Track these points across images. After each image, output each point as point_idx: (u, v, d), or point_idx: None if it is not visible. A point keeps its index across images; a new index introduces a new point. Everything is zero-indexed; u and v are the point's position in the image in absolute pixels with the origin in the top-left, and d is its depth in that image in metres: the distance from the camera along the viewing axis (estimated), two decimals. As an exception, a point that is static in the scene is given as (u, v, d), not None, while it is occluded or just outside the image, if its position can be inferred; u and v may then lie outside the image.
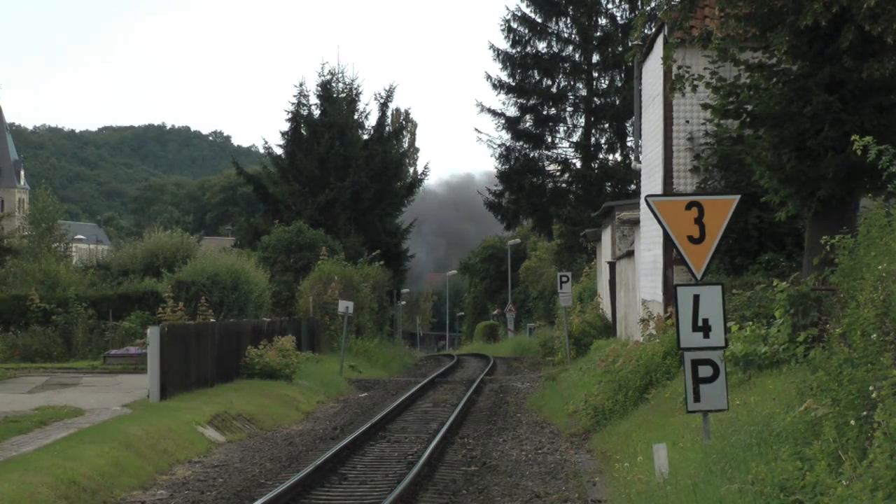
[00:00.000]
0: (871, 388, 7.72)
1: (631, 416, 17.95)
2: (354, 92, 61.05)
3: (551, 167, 57.33)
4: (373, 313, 46.38)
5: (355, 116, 60.82)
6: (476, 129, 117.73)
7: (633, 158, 52.16)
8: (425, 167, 69.67)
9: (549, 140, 56.94)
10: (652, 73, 26.15)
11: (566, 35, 56.18)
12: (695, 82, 16.94)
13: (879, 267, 9.46)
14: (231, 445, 19.78)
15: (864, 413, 7.74)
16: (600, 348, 28.86)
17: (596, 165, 56.08)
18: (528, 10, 56.16)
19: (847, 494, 6.86)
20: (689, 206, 11.36)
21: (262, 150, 68.53)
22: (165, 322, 27.06)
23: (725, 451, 9.95)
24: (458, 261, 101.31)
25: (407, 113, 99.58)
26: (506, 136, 56.81)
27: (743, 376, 14.96)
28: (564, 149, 57.17)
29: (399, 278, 63.82)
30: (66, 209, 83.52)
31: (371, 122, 62.17)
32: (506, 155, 56.80)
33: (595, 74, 56.28)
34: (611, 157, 56.80)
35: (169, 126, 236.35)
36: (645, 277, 27.17)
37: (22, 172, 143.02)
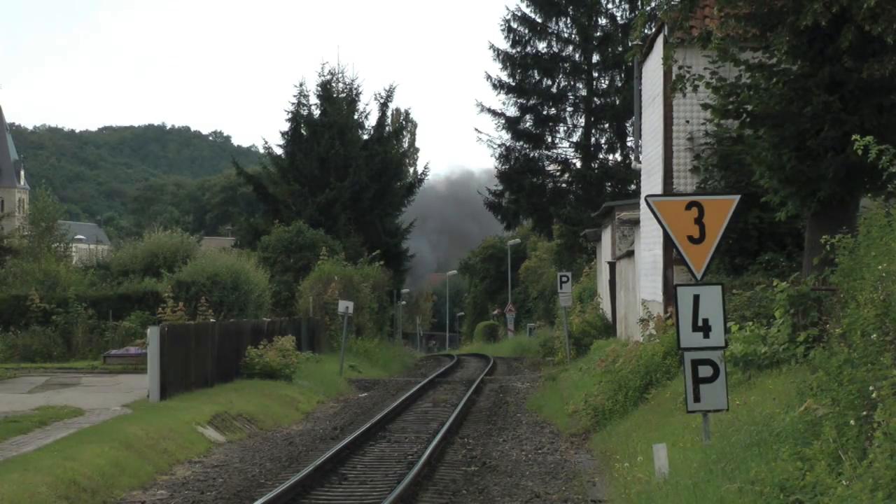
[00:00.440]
0: (871, 388, 7.71)
1: (631, 416, 17.95)
2: (354, 92, 61.11)
3: (551, 167, 57.36)
4: (373, 313, 46.39)
5: (355, 116, 60.83)
6: (476, 129, 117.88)
7: (633, 158, 52.16)
8: (425, 167, 69.64)
9: (549, 140, 56.97)
10: (652, 73, 26.15)
11: (566, 35, 56.20)
12: (695, 82, 16.94)
13: (879, 267, 9.46)
14: (231, 445, 19.78)
15: (864, 413, 7.74)
16: (600, 348, 28.86)
17: (596, 165, 56.09)
18: (528, 10, 56.21)
19: (847, 494, 6.86)
20: (689, 206, 11.37)
21: (262, 150, 68.61)
22: (165, 322, 27.06)
23: (725, 451, 9.95)
24: (459, 261, 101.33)
25: (407, 113, 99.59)
26: (506, 136, 56.89)
27: (743, 376, 14.95)
28: (564, 149, 57.23)
29: (399, 278, 63.82)
30: (66, 209, 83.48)
31: (371, 122, 62.28)
32: (506, 155, 56.82)
33: (595, 74, 56.29)
34: (611, 157, 56.86)
35: (169, 126, 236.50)
36: (645, 277, 27.17)
37: (22, 172, 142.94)
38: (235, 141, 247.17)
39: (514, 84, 56.13)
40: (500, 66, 56.37)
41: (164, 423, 19.12)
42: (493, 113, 56.59)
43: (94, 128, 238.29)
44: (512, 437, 20.53)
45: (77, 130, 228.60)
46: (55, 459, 15.00)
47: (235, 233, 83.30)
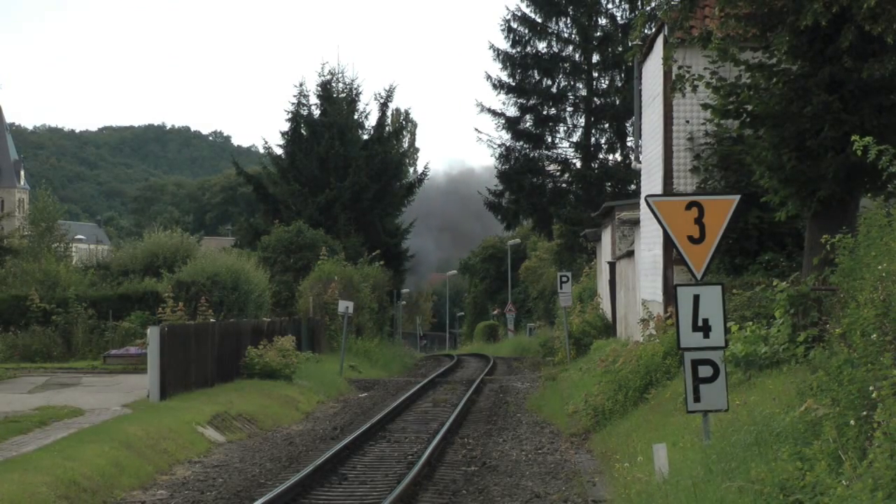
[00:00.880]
0: (871, 388, 7.71)
1: (631, 416, 17.95)
2: (354, 92, 61.11)
3: (551, 167, 57.37)
4: (373, 313, 46.40)
5: (355, 116, 60.83)
6: (476, 129, 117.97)
7: (633, 158, 52.19)
8: (425, 167, 69.57)
9: (549, 140, 56.99)
10: (652, 73, 26.15)
11: (566, 35, 56.22)
12: (695, 82, 16.94)
13: (879, 267, 9.45)
14: (231, 445, 19.78)
15: (864, 413, 7.74)
16: (600, 348, 28.85)
17: (596, 165, 56.11)
18: (528, 10, 56.22)
19: (847, 494, 6.86)
20: (689, 206, 11.36)
21: (262, 150, 68.64)
22: (165, 322, 27.06)
23: (725, 451, 9.95)
24: (459, 261, 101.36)
25: (407, 113, 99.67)
26: (506, 136, 56.91)
27: (743, 376, 14.95)
28: (564, 149, 57.25)
29: (399, 278, 63.81)
30: (66, 209, 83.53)
31: (371, 122, 62.27)
32: (506, 155, 56.84)
33: (595, 74, 56.30)
34: (611, 157, 56.88)
35: (169, 126, 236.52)
36: (645, 277, 27.18)
37: (22, 172, 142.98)
38: (235, 141, 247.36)
39: (514, 84, 56.14)
40: (500, 66, 56.45)
41: (164, 423, 19.12)
42: (493, 113, 56.65)
43: (94, 128, 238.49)
44: (512, 437, 20.53)
45: (77, 130, 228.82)
46: (55, 459, 15.00)
47: (235, 233, 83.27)
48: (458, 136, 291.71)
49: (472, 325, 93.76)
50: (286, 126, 60.04)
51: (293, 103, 59.81)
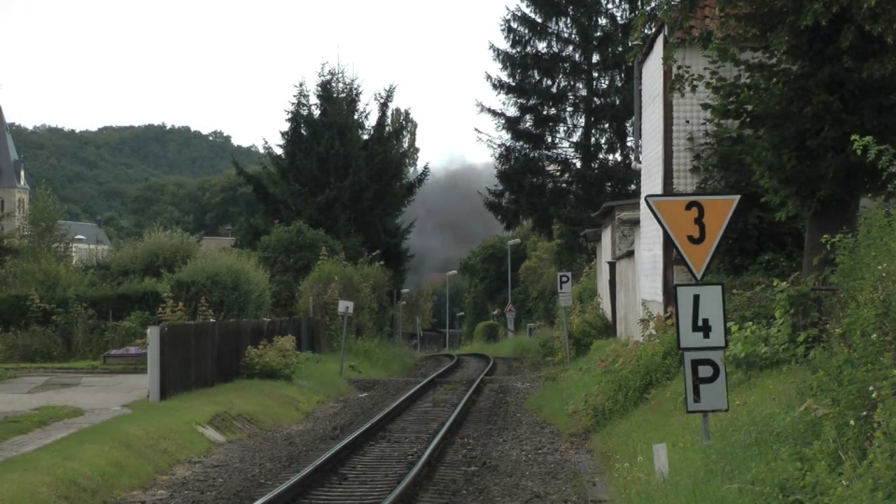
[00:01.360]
0: (871, 388, 7.71)
1: (631, 416, 17.95)
2: (354, 92, 61.08)
3: (551, 167, 57.36)
4: (373, 313, 46.39)
5: (355, 116, 60.81)
6: (476, 129, 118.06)
7: (633, 158, 52.19)
8: (425, 167, 69.59)
9: (549, 140, 56.97)
10: (652, 73, 26.15)
11: (566, 35, 56.20)
12: (695, 82, 16.93)
13: (879, 267, 9.45)
14: (231, 445, 19.78)
15: (864, 413, 7.74)
16: (600, 348, 28.86)
17: (596, 165, 56.10)
18: (528, 10, 56.21)
19: (847, 494, 6.86)
20: (689, 206, 11.37)
21: (262, 150, 68.56)
22: (165, 322, 27.06)
23: (725, 451, 9.95)
24: (459, 260, 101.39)
25: (407, 113, 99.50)
26: (506, 136, 56.89)
27: (743, 377, 14.95)
28: (564, 149, 57.23)
29: (399, 278, 63.81)
30: (66, 209, 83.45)
31: (371, 122, 62.24)
32: (506, 155, 56.83)
33: (595, 74, 56.29)
34: (611, 157, 56.86)
35: (169, 126, 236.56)
36: (645, 277, 27.17)
37: (22, 172, 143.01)
38: (235, 141, 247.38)
39: (514, 84, 56.13)
40: (500, 66, 56.42)
41: (164, 423, 19.12)
42: (493, 113, 56.63)
43: (94, 128, 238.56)
44: (512, 437, 20.53)
45: (77, 130, 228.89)
46: (55, 459, 15.00)
47: (235, 233, 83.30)
48: (458, 135, 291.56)
49: (472, 325, 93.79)
50: (286, 126, 60.06)
51: (293, 103, 59.85)
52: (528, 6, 56.11)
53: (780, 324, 15.04)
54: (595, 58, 55.89)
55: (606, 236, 39.28)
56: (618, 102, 54.76)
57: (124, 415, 20.06)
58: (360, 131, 60.97)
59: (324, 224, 54.31)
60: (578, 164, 56.68)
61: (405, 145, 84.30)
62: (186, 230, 54.28)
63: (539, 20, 56.09)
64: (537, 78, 56.36)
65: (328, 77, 60.43)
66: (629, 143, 54.99)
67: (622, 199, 42.92)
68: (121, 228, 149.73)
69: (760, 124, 16.46)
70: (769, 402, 11.35)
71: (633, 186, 48.26)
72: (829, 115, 15.54)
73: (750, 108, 16.49)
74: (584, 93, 56.27)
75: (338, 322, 38.61)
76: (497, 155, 57.02)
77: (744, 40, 16.66)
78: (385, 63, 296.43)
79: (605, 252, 39.33)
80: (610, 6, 55.87)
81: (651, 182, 26.52)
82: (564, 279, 35.76)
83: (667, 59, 18.06)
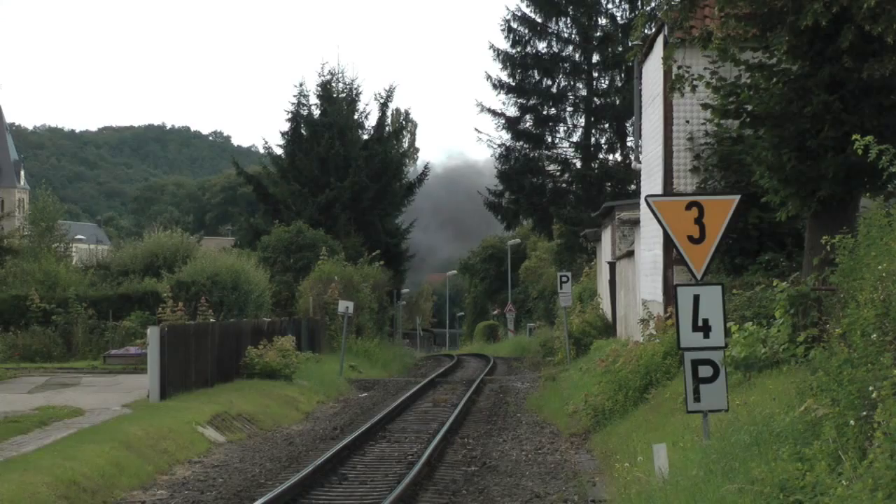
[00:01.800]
0: (871, 388, 7.71)
1: (631, 416, 17.95)
2: (354, 92, 61.12)
3: (551, 167, 57.40)
4: (373, 313, 46.39)
5: (355, 116, 60.84)
6: (476, 129, 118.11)
7: (633, 158, 52.19)
8: (426, 167, 69.63)
9: (549, 140, 57.02)
10: (652, 73, 26.15)
11: (566, 35, 56.25)
12: (695, 82, 16.93)
13: (879, 267, 9.45)
14: (231, 445, 19.78)
15: (864, 413, 7.73)
16: (600, 348, 28.85)
17: (596, 165, 56.14)
18: (528, 10, 56.27)
19: (847, 494, 6.86)
20: (689, 206, 11.37)
21: (262, 150, 68.64)
22: (165, 322, 27.06)
23: (725, 451, 9.95)
24: (459, 260, 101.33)
25: (407, 113, 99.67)
26: (506, 136, 56.96)
27: (743, 377, 14.95)
28: (564, 149, 57.28)
29: (399, 278, 63.82)
30: (66, 209, 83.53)
31: (371, 122, 62.30)
32: (506, 155, 56.88)
33: (595, 74, 56.34)
34: (611, 157, 56.95)
35: (169, 126, 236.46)
36: (645, 277, 27.17)
37: (22, 172, 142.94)
38: (235, 141, 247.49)
39: (514, 84, 56.17)
40: (500, 66, 56.49)
41: (164, 423, 19.12)
42: (493, 113, 56.69)
43: (94, 128, 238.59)
44: (512, 437, 20.53)
45: (77, 130, 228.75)
46: (55, 459, 15.00)
47: (235, 233, 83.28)
48: (458, 134, 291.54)
49: (472, 324, 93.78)
50: (286, 126, 60.13)
51: (293, 103, 59.91)
52: (528, 6, 56.20)
53: (780, 324, 15.04)
54: (595, 58, 55.94)
55: (606, 236, 39.28)
56: (618, 102, 54.79)
57: (124, 415, 20.05)
58: (360, 131, 61.02)
59: (324, 224, 54.34)
60: (578, 164, 56.72)
61: (405, 145, 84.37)
62: (186, 230, 54.28)
63: (539, 20, 56.14)
64: (537, 78, 56.42)
65: (328, 77, 60.54)
66: (629, 143, 55.03)
67: (622, 199, 42.93)
68: (121, 228, 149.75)
69: (760, 124, 16.46)
70: (769, 403, 11.35)
71: (633, 186, 48.27)
72: (829, 115, 15.54)
73: (750, 108, 16.49)
74: (584, 93, 56.32)
75: (338, 322, 38.60)
76: (497, 155, 57.11)
77: (744, 40, 16.65)
78: (385, 63, 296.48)
79: (605, 252, 39.33)
80: (610, 6, 55.97)
81: (651, 182, 26.52)
82: (564, 279, 35.76)
83: (667, 59, 18.06)
